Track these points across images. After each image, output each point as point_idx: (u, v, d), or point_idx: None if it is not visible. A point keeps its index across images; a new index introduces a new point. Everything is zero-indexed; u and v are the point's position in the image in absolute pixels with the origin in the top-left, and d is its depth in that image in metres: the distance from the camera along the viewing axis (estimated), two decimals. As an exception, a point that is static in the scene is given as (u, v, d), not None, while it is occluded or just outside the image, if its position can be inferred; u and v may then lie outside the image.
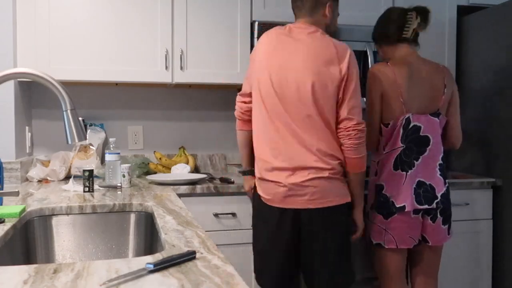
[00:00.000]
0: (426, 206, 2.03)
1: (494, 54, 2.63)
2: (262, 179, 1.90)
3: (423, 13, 2.10)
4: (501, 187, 2.57)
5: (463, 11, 2.87)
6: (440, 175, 2.07)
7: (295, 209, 1.83)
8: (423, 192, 2.04)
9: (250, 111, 2.00)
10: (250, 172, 2.11)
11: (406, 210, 2.00)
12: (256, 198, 1.95)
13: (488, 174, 2.65)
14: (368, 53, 2.60)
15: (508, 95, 2.53)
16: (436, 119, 2.07)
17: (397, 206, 2.01)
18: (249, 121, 2.02)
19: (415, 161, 2.04)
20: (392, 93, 2.03)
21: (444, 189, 2.07)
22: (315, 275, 1.86)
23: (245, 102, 2.02)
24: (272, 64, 1.86)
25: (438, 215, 2.07)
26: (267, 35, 1.93)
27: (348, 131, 1.85)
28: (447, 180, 2.10)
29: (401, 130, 2.03)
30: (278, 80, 1.84)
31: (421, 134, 2.04)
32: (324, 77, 1.82)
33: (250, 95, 1.98)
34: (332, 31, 2.00)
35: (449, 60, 2.85)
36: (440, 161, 2.08)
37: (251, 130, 1.99)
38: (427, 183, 2.05)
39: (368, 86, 2.09)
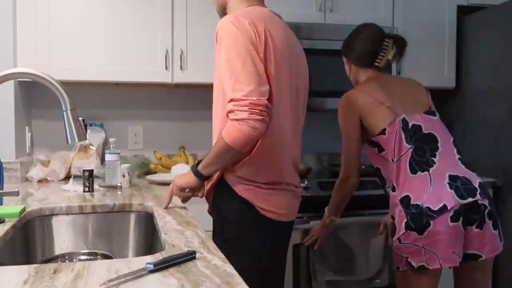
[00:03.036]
0: (470, 200, 1.69)
1: (494, 54, 2.63)
2: None
3: (400, 45, 1.96)
4: (501, 187, 2.57)
5: (463, 11, 2.87)
6: (467, 168, 1.81)
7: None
8: (461, 184, 1.72)
9: None
10: None
11: (449, 209, 1.66)
12: None
13: (488, 174, 2.65)
14: (368, 53, 2.60)
15: (508, 95, 2.53)
16: (434, 117, 1.89)
17: (435, 209, 1.67)
18: None
19: (432, 158, 1.78)
20: (373, 105, 1.86)
21: (479, 180, 1.79)
22: None
23: None
24: None
25: (486, 219, 1.72)
26: None
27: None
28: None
29: (402, 132, 1.82)
30: None
31: (424, 132, 1.82)
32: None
33: None
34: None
35: (449, 60, 2.85)
36: (459, 156, 1.84)
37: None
38: (460, 175, 1.75)
39: (341, 115, 1.93)
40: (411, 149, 1.80)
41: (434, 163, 1.77)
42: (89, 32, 2.40)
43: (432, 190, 1.71)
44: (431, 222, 1.67)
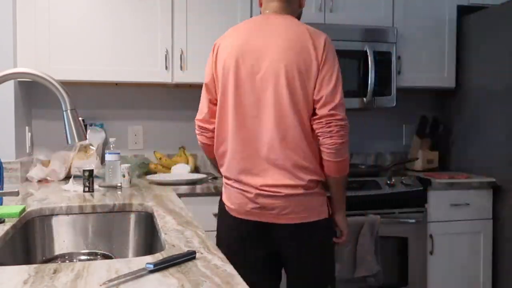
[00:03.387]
0: None
1: (494, 54, 2.63)
2: None
3: None
4: (501, 187, 2.57)
5: (463, 11, 2.87)
6: None
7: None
8: None
9: None
10: None
11: None
12: None
13: (488, 174, 2.65)
14: (368, 53, 2.60)
15: (508, 95, 2.53)
16: None
17: None
18: None
19: None
20: None
21: None
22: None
23: None
24: None
25: None
26: None
27: (330, 126, 1.61)
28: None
29: None
30: None
31: None
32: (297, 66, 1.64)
33: None
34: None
35: (449, 60, 2.85)
36: None
37: None
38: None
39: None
40: None
41: None
42: (89, 32, 2.40)
43: None
44: None
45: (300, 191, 1.63)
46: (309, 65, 1.62)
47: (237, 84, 1.65)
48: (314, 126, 1.64)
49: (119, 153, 2.22)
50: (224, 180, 1.75)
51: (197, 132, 1.84)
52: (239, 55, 1.65)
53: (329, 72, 1.64)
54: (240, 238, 1.70)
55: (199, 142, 1.85)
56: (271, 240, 1.68)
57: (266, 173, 1.63)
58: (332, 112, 1.60)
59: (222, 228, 1.77)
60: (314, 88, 1.63)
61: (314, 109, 1.64)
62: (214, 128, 1.74)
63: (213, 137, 1.76)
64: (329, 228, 1.74)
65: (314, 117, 1.63)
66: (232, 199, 1.70)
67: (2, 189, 1.54)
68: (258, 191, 1.63)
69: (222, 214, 1.76)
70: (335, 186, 1.71)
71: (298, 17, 1.82)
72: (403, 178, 2.53)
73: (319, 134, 1.63)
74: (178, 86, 2.69)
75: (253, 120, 1.64)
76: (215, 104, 1.74)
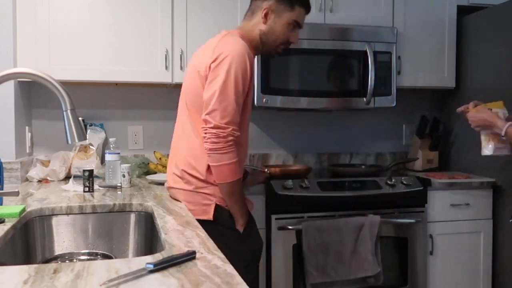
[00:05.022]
0: None
1: (494, 54, 2.63)
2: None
3: None
4: (501, 187, 2.57)
5: (463, 11, 2.87)
6: None
7: None
8: None
9: None
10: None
11: None
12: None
13: (488, 174, 2.65)
14: (368, 53, 2.60)
15: (508, 95, 2.53)
16: None
17: None
18: None
19: None
20: None
21: None
22: None
23: None
24: None
25: None
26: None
27: (205, 133, 1.65)
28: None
29: None
30: None
31: None
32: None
33: None
34: (273, 43, 1.81)
35: (449, 60, 2.85)
36: None
37: None
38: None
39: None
40: None
41: None
42: (89, 32, 2.40)
43: None
44: None
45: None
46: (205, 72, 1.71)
47: None
48: None
49: (119, 153, 2.22)
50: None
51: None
52: None
53: (213, 78, 1.67)
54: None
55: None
56: None
57: None
58: (205, 117, 1.66)
59: None
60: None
61: None
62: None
63: None
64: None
65: None
66: None
67: (2, 189, 1.54)
68: None
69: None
70: (223, 194, 1.71)
71: (261, 36, 1.80)
72: (403, 178, 2.53)
73: None
74: (178, 86, 2.68)
75: None
76: None
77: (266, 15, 1.79)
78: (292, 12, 1.79)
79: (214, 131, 1.63)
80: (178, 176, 1.79)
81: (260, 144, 2.96)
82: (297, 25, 1.82)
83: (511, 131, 1.88)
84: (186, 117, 1.79)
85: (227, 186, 1.68)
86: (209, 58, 1.69)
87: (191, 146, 1.75)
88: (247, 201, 1.82)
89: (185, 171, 1.75)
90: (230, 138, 1.63)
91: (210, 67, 1.68)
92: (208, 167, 1.70)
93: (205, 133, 1.65)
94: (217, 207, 1.71)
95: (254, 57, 1.83)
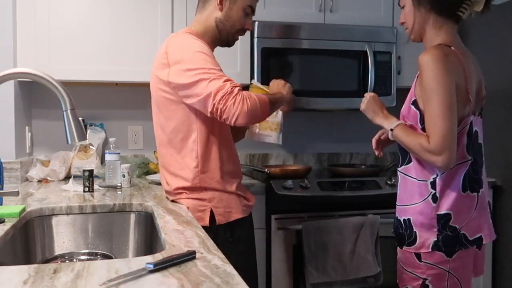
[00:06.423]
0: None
1: (494, 54, 2.63)
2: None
3: None
4: (501, 187, 2.57)
5: (463, 11, 2.86)
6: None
7: None
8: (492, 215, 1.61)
9: None
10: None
11: (484, 243, 1.55)
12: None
13: (488, 174, 2.64)
14: (368, 53, 2.60)
15: (508, 95, 2.53)
16: (480, 119, 1.62)
17: (471, 239, 1.51)
18: None
19: (481, 177, 1.56)
20: (461, 89, 1.47)
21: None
22: None
23: None
24: None
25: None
26: None
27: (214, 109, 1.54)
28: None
29: (466, 138, 1.52)
30: None
31: (479, 141, 1.57)
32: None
33: None
34: (230, 30, 1.77)
35: (449, 60, 2.85)
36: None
37: None
38: (490, 202, 1.63)
39: (438, 73, 1.43)
40: (469, 162, 1.53)
41: (483, 183, 1.57)
42: (89, 32, 2.40)
43: (474, 216, 1.53)
44: (462, 249, 1.52)
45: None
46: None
47: None
48: None
49: (119, 153, 2.22)
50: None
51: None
52: None
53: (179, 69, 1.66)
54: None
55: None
56: None
57: None
58: (204, 101, 1.57)
59: None
60: None
61: None
62: None
63: None
64: None
65: None
66: None
67: (2, 189, 1.54)
68: None
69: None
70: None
71: (219, 25, 1.77)
72: (403, 178, 2.53)
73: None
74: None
75: None
76: None
77: (221, 2, 1.74)
78: None
79: (218, 98, 1.50)
80: (167, 185, 1.77)
81: (260, 144, 2.95)
82: (251, 11, 1.79)
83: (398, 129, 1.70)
84: (158, 126, 1.76)
85: (266, 112, 1.65)
86: (163, 59, 1.69)
87: (170, 155, 1.71)
88: (249, 195, 1.82)
89: (174, 186, 1.73)
90: (236, 89, 1.53)
91: (166, 65, 1.66)
92: (195, 171, 1.66)
93: (215, 110, 1.53)
94: (213, 212, 1.69)
95: (212, 50, 1.75)
